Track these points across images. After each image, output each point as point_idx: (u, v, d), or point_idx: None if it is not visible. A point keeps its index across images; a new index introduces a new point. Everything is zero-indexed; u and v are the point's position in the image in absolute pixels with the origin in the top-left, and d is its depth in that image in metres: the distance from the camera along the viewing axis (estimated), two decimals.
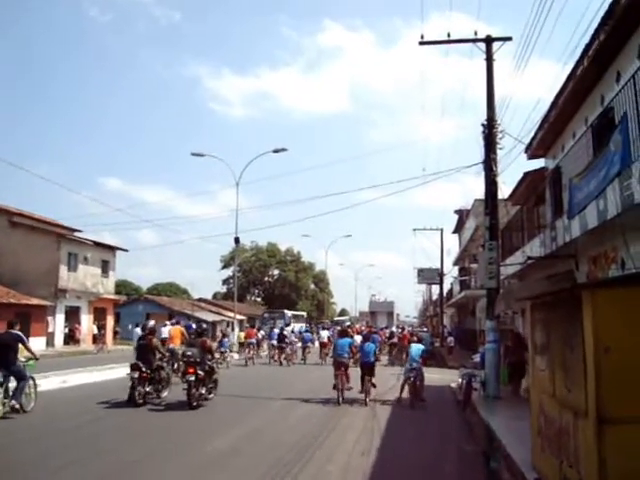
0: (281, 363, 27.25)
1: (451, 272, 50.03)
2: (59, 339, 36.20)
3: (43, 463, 7.71)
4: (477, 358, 17.57)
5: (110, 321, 42.80)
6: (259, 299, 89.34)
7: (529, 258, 14.92)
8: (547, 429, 6.31)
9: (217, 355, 17.56)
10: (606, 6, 9.28)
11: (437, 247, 48.70)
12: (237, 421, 11.71)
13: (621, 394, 4.79)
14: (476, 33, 15.83)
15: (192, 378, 12.73)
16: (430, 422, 12.48)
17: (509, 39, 15.76)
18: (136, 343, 14.85)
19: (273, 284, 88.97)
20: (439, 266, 48.90)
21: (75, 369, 19.46)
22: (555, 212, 14.42)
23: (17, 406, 11.15)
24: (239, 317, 42.56)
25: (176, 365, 16.76)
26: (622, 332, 4.85)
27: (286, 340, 28.42)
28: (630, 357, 4.82)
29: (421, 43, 16.37)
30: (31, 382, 11.92)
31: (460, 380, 15.64)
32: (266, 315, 57.39)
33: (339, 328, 21.13)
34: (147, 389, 13.25)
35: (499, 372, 15.03)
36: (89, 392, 14.92)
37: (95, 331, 38.21)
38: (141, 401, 12.90)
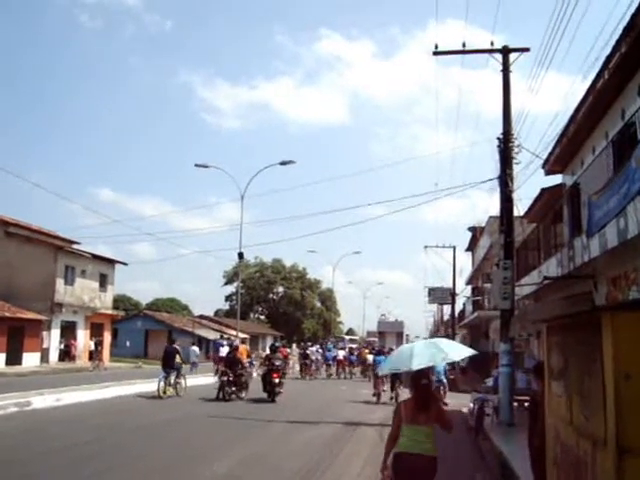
0: (304, 377, 32.65)
1: (463, 292, 49.87)
2: (54, 355, 36.26)
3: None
4: (490, 382, 17.43)
5: (107, 337, 42.83)
6: (262, 317, 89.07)
7: (545, 278, 14.83)
8: (563, 459, 6.22)
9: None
10: (628, 17, 9.29)
11: (449, 265, 48.50)
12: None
13: None
14: (492, 43, 15.86)
15: (276, 381, 19.14)
16: (439, 448, 12.33)
17: (527, 50, 15.76)
18: (224, 356, 22.33)
19: (278, 302, 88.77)
20: (451, 285, 48.72)
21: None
22: (573, 230, 14.38)
23: (177, 391, 19.51)
24: (242, 336, 42.53)
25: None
26: None
27: (309, 358, 34.38)
28: None
29: (435, 53, 16.42)
30: (182, 379, 20.20)
31: (472, 405, 15.51)
32: (332, 339, 71.52)
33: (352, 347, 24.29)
34: (232, 389, 19.01)
35: (513, 397, 14.83)
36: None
37: (92, 347, 38.20)
38: (228, 398, 18.74)
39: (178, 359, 19.79)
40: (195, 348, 32.56)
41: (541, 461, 6.79)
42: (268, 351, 27.37)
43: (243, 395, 19.62)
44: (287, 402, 19.18)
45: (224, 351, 25.71)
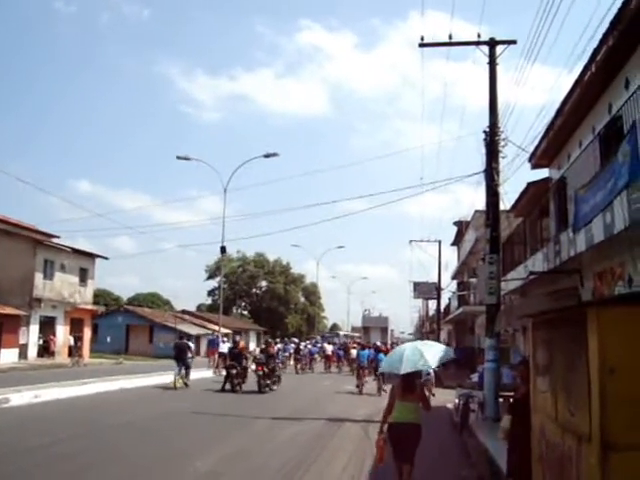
0: (297, 372, 34.42)
1: (449, 286, 49.99)
2: (32, 351, 35.90)
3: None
4: (475, 378, 17.53)
5: (87, 333, 42.54)
6: (245, 312, 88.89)
7: (532, 273, 14.93)
8: (548, 455, 6.27)
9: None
10: (615, 10, 9.34)
11: (434, 260, 48.57)
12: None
13: (627, 418, 4.75)
14: (479, 35, 15.86)
15: (260, 373, 20.80)
16: (424, 444, 12.35)
17: (514, 42, 15.77)
18: (228, 351, 24.65)
19: (261, 296, 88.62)
20: (436, 280, 48.80)
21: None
22: (559, 225, 14.48)
23: (185, 382, 21.58)
24: (224, 331, 42.52)
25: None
26: (629, 353, 4.81)
27: (301, 353, 36.63)
28: (637, 379, 4.78)
29: (421, 45, 16.38)
30: (189, 372, 22.22)
31: (457, 401, 15.58)
32: (327, 334, 76.61)
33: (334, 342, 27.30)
34: (239, 380, 20.99)
35: (498, 393, 14.91)
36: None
37: (71, 343, 37.92)
38: (235, 389, 20.59)
39: (189, 354, 22.12)
40: (191, 344, 33.47)
41: (523, 457, 6.84)
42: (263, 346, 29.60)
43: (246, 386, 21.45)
44: (279, 395, 20.67)
45: (224, 347, 28.35)
